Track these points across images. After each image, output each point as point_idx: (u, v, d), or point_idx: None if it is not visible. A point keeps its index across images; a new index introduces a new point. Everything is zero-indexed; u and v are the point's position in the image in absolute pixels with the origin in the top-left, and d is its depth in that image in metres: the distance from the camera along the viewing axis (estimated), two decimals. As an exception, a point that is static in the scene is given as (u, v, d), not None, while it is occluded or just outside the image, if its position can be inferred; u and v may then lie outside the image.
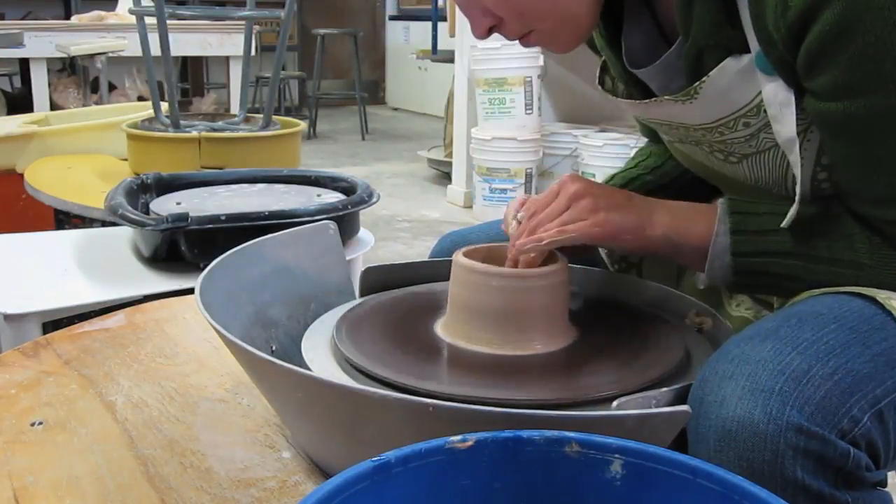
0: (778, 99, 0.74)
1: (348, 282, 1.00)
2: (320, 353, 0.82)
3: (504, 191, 3.79)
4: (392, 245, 3.49)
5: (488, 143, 3.78)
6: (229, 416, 0.87)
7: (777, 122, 0.75)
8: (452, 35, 4.30)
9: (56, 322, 1.27)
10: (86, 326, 1.11)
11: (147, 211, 1.55)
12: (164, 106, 2.22)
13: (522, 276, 0.81)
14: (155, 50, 2.11)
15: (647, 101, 0.84)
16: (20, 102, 4.36)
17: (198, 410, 0.88)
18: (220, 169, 1.91)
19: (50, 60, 3.90)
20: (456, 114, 4.25)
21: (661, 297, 0.93)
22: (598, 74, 0.94)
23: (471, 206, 4.07)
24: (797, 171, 0.76)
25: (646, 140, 1.13)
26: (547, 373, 0.78)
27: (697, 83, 0.77)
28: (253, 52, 2.37)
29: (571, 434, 0.50)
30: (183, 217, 1.37)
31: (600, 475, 0.49)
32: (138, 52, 2.26)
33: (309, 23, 7.85)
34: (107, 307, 1.28)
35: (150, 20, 2.08)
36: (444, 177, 4.67)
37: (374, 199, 1.59)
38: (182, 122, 2.16)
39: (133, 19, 2.23)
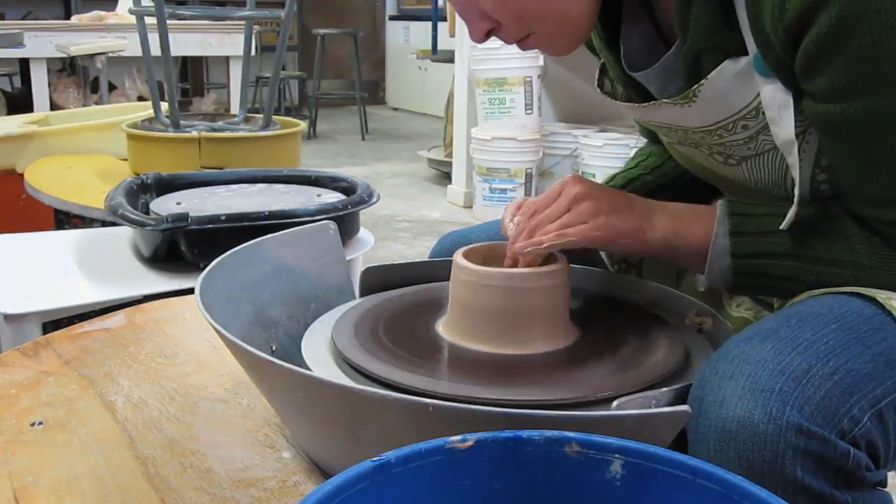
0: (776, 101, 0.74)
1: (348, 282, 1.00)
2: (320, 353, 0.82)
3: (504, 191, 3.79)
4: (392, 245, 3.49)
5: (488, 143, 3.78)
6: (229, 416, 0.87)
7: (775, 124, 0.75)
8: (452, 35, 4.30)
9: (56, 322, 1.27)
10: (86, 326, 1.11)
11: (147, 211, 1.55)
12: (164, 106, 2.22)
13: (522, 276, 0.81)
14: (155, 50, 2.11)
15: (645, 104, 0.84)
16: (20, 102, 4.36)
17: (198, 410, 0.88)
18: (220, 169, 1.91)
19: (50, 60, 3.90)
20: (456, 114, 4.25)
21: (661, 297, 0.93)
22: (597, 77, 0.94)
23: (471, 206, 4.07)
24: (795, 172, 0.76)
25: (645, 140, 1.13)
26: (547, 373, 0.78)
27: (696, 86, 0.77)
28: (253, 52, 2.37)
29: (571, 434, 0.50)
30: (183, 217, 1.37)
31: (600, 475, 0.49)
32: (138, 52, 2.26)
33: (309, 23, 7.85)
34: (107, 307, 1.28)
35: (150, 20, 2.08)
36: (444, 177, 4.68)
37: (374, 199, 1.59)
38: (182, 122, 2.16)
39: (133, 19, 2.23)
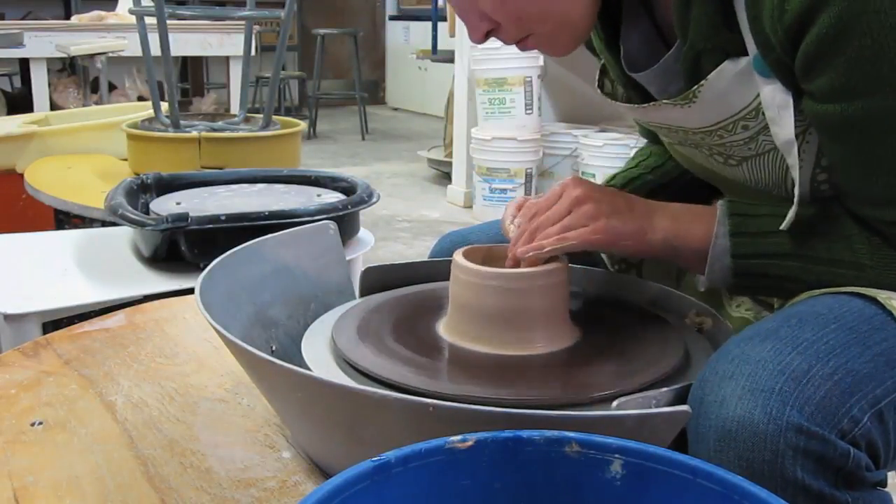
0: (776, 101, 0.74)
1: (348, 282, 1.00)
2: (320, 353, 0.82)
3: (504, 191, 3.79)
4: (392, 245, 3.49)
5: (488, 143, 3.78)
6: (229, 416, 0.87)
7: (775, 124, 0.75)
8: (452, 35, 4.30)
9: (56, 322, 1.27)
10: (86, 326, 1.11)
11: (147, 211, 1.55)
12: (164, 106, 2.22)
13: (523, 276, 0.81)
14: (155, 50, 2.11)
15: (645, 105, 0.84)
16: (20, 102, 4.36)
17: (198, 410, 0.88)
18: (220, 169, 1.91)
19: (50, 60, 3.90)
20: (456, 114, 4.25)
21: (661, 297, 0.93)
22: (597, 77, 0.94)
23: (471, 206, 4.07)
24: (795, 173, 0.76)
25: (645, 141, 1.13)
26: (547, 373, 0.78)
27: (696, 87, 0.77)
28: (253, 52, 2.37)
29: (571, 434, 0.50)
30: (183, 217, 1.37)
31: (600, 475, 0.49)
32: (138, 52, 2.26)
33: (309, 23, 7.85)
34: (107, 307, 1.28)
35: (150, 20, 2.08)
36: (444, 177, 4.68)
37: (374, 199, 1.59)
38: (182, 122, 2.16)
39: (133, 19, 2.23)
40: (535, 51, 0.85)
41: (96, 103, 3.73)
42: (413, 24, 8.27)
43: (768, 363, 0.64)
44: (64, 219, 2.03)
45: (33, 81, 3.75)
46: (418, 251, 3.38)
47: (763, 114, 0.76)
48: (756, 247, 0.79)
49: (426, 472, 0.48)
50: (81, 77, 3.99)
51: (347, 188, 1.72)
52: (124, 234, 1.61)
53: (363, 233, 1.66)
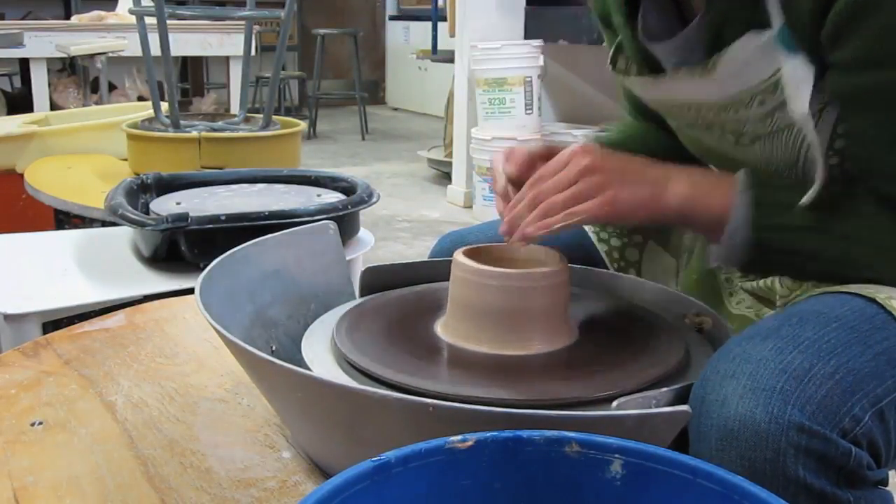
0: (797, 76, 0.73)
1: (348, 282, 1.00)
2: (320, 353, 0.82)
3: (504, 191, 3.79)
4: (392, 245, 3.49)
5: (488, 143, 3.78)
6: (229, 416, 0.87)
7: (793, 101, 0.74)
8: (452, 35, 4.29)
9: (56, 322, 1.27)
10: (86, 326, 1.11)
11: (147, 211, 1.55)
12: (164, 106, 2.22)
13: (522, 276, 0.80)
14: (155, 50, 2.11)
15: (662, 76, 0.83)
16: (20, 102, 4.36)
17: (198, 410, 0.88)
18: (220, 169, 1.91)
19: (50, 60, 3.91)
20: (456, 114, 4.25)
21: (661, 297, 0.93)
22: (610, 55, 0.93)
23: (471, 206, 4.07)
24: (816, 150, 0.75)
25: None
26: (547, 373, 0.78)
27: (716, 55, 0.76)
28: (253, 52, 2.37)
29: (571, 434, 0.50)
30: (183, 217, 1.37)
31: (600, 475, 0.49)
32: (138, 52, 2.26)
33: (309, 23, 7.85)
34: (107, 307, 1.28)
35: (150, 20, 2.08)
36: (444, 177, 4.68)
37: (374, 199, 1.59)
38: (182, 122, 2.16)
39: (133, 19, 2.23)
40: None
41: (96, 103, 3.73)
42: (413, 24, 8.27)
43: (769, 362, 0.64)
44: (64, 219, 2.03)
45: (33, 81, 3.75)
46: (418, 251, 3.38)
47: (781, 90, 0.75)
48: (779, 217, 0.76)
49: (426, 472, 0.48)
50: (81, 77, 3.99)
51: (347, 188, 1.72)
52: (124, 234, 1.61)
53: (363, 233, 1.66)
